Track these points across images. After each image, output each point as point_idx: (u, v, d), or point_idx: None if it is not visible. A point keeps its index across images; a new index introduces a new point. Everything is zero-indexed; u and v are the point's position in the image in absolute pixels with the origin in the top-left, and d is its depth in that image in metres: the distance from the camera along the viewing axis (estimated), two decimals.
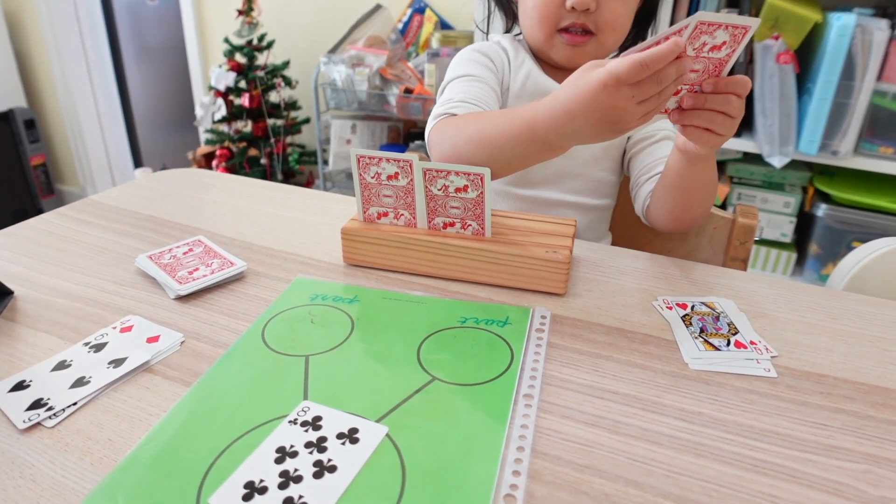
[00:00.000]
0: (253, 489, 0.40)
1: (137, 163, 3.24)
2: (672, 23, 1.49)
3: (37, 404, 0.48)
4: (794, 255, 1.61)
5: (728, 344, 0.56)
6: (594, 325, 0.59)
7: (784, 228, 1.60)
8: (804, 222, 1.61)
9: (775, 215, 1.59)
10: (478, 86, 0.78)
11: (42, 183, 2.92)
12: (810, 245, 1.57)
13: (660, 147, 0.79)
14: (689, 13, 1.47)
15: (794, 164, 1.52)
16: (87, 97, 2.94)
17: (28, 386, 0.50)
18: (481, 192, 0.61)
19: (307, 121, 2.18)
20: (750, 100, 1.49)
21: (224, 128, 2.15)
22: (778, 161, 1.45)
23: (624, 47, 0.83)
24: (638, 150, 0.80)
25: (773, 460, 0.43)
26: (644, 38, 0.84)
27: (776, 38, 1.39)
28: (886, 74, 1.36)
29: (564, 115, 0.56)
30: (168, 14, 3.03)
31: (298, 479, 0.40)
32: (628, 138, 0.81)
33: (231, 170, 2.10)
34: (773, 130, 1.44)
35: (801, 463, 0.43)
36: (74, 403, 0.48)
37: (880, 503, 0.40)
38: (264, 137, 2.12)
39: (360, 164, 0.64)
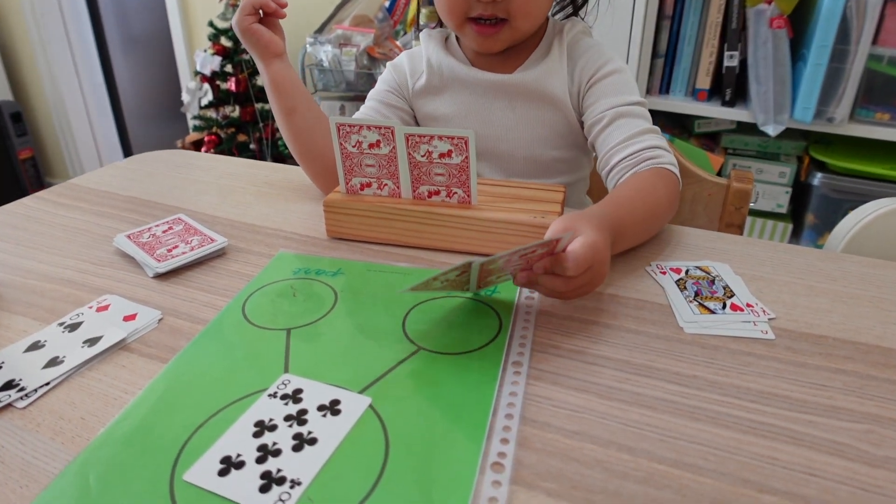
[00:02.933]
0: (230, 464, 0.38)
1: (127, 153, 3.20)
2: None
3: (8, 385, 0.46)
4: (790, 226, 1.59)
5: (724, 307, 0.54)
6: None
7: (780, 199, 1.58)
8: (800, 192, 1.59)
9: (771, 186, 1.57)
10: (371, 111, 0.82)
11: (31, 177, 2.88)
12: (807, 215, 1.55)
13: (612, 132, 0.71)
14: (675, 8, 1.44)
15: (789, 133, 1.49)
16: (73, 89, 2.89)
17: (0, 367, 0.48)
18: (465, 157, 0.59)
19: None
20: (743, 67, 1.46)
21: (212, 113, 2.12)
22: (773, 130, 1.42)
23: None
24: (594, 138, 0.74)
25: (773, 422, 0.42)
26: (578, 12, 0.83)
27: (769, 3, 1.37)
28: (882, 38, 1.33)
29: None
30: (152, 1, 2.98)
31: (277, 453, 0.38)
32: (581, 121, 0.77)
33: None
34: (767, 98, 1.41)
35: (802, 424, 0.42)
36: (47, 384, 0.46)
37: (883, 462, 0.39)
38: (253, 122, 2.09)
39: (340, 133, 0.62)
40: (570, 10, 0.83)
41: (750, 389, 0.45)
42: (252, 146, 2.09)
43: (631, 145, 0.69)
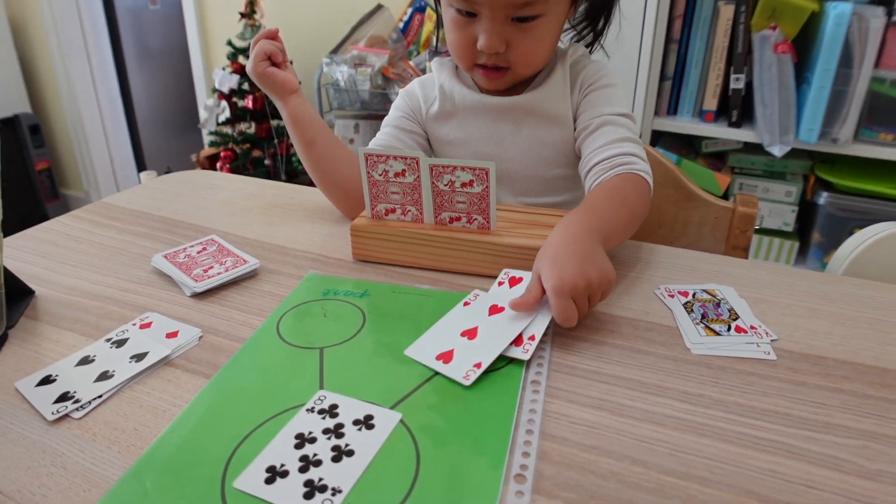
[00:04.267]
0: (275, 473, 0.41)
1: (141, 166, 3.26)
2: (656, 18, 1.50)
3: (63, 397, 0.50)
4: (796, 244, 1.62)
5: (729, 329, 0.58)
6: (598, 314, 0.60)
7: (786, 217, 1.61)
8: (806, 211, 1.62)
9: (777, 204, 1.61)
10: (389, 137, 0.86)
11: (47, 187, 2.94)
12: (813, 233, 1.58)
13: (595, 137, 0.76)
14: (688, 2, 1.49)
15: (794, 153, 1.53)
16: (90, 102, 2.96)
17: (54, 380, 0.52)
18: (486, 187, 0.63)
19: None
20: (749, 89, 1.50)
21: (228, 129, 2.17)
22: (778, 150, 1.46)
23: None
24: (580, 142, 0.78)
25: (774, 438, 0.45)
26: (596, 29, 0.85)
27: (773, 29, 1.41)
28: (884, 61, 1.37)
29: None
30: (170, 18, 3.05)
31: (318, 463, 0.42)
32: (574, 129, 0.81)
33: (235, 171, 2.12)
34: (772, 120, 1.45)
35: (801, 440, 0.45)
36: (100, 396, 0.50)
37: (877, 476, 0.42)
38: (268, 138, 2.13)
39: (368, 163, 0.66)
40: (589, 38, 0.86)
41: (753, 407, 0.48)
42: (266, 161, 2.14)
43: (609, 149, 0.73)
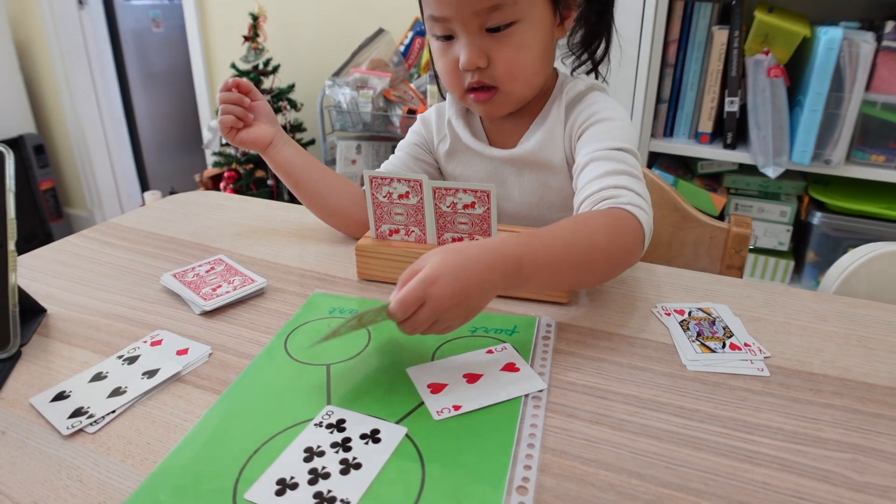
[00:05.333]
0: (285, 485, 0.43)
1: (144, 186, 3.29)
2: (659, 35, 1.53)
3: (78, 412, 0.51)
4: (791, 263, 1.64)
5: (724, 346, 0.59)
6: (597, 332, 0.62)
7: (781, 237, 1.63)
8: (801, 230, 1.64)
9: (772, 224, 1.63)
10: (400, 162, 0.87)
11: (51, 207, 2.97)
12: (807, 253, 1.61)
13: (584, 174, 0.71)
14: (683, 27, 1.52)
15: (788, 174, 1.56)
16: (94, 123, 3.00)
17: (68, 396, 0.54)
18: (487, 208, 0.65)
19: (313, 142, 2.23)
20: (743, 112, 1.53)
21: (231, 150, 2.20)
22: (772, 171, 1.48)
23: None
24: (574, 182, 0.74)
25: (767, 452, 0.47)
26: (595, 55, 0.82)
27: (766, 53, 1.44)
28: (875, 85, 1.40)
29: None
30: (173, 40, 3.11)
31: (327, 476, 0.44)
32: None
33: (238, 191, 2.15)
34: (766, 142, 1.48)
35: (793, 454, 0.46)
36: (113, 411, 0.52)
37: (865, 488, 0.43)
38: None
39: (373, 185, 0.68)
40: (589, 65, 0.84)
41: (747, 422, 0.50)
42: (269, 182, 2.17)
43: (595, 184, 0.67)
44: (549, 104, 0.80)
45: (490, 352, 0.58)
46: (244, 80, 0.83)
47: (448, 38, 0.72)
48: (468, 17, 0.68)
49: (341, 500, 0.41)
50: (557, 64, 0.82)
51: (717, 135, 1.61)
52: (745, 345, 0.60)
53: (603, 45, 0.82)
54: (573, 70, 0.84)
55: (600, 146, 0.71)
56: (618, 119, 0.75)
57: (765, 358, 0.58)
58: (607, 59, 0.84)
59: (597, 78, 0.84)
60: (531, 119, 0.80)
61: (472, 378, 0.54)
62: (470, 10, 0.67)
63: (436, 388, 0.53)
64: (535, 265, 0.56)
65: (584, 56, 0.83)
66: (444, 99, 0.87)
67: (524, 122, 0.81)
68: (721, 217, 1.61)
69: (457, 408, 0.50)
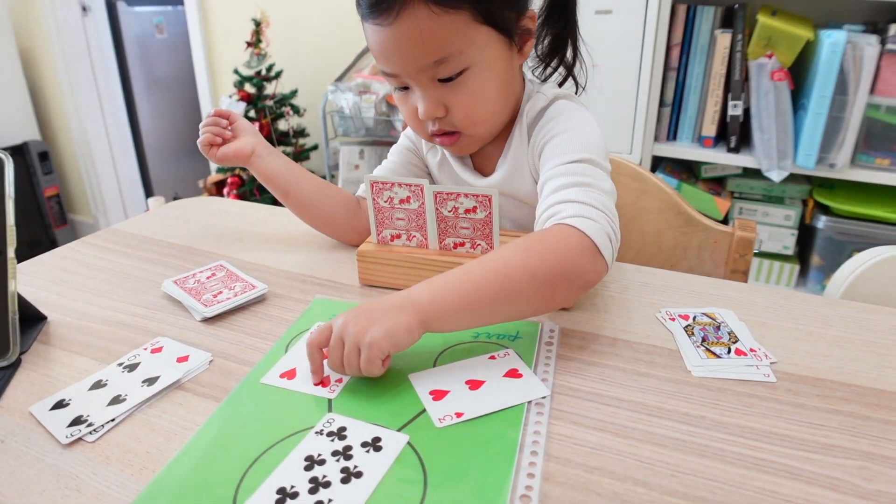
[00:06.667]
0: (285, 494, 0.42)
1: (148, 192, 3.30)
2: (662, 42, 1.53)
3: (77, 421, 0.51)
4: (796, 267, 1.63)
5: (729, 352, 0.59)
6: (600, 338, 0.62)
7: (786, 241, 1.62)
8: (805, 234, 1.63)
9: (776, 228, 1.62)
10: (393, 165, 0.86)
11: (55, 213, 2.98)
12: (812, 257, 1.60)
13: (540, 198, 0.67)
14: (686, 31, 1.52)
15: (793, 178, 1.55)
16: (98, 129, 3.01)
17: (68, 404, 0.53)
18: (489, 213, 0.65)
19: (316, 147, 2.23)
20: (747, 115, 1.52)
21: None
22: (776, 175, 1.48)
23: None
24: None
25: (773, 459, 0.46)
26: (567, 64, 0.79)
27: (770, 57, 1.44)
28: (879, 88, 1.39)
29: None
30: (177, 46, 3.12)
31: (327, 485, 0.43)
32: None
33: (242, 197, 2.15)
34: (770, 145, 1.47)
35: (800, 461, 0.46)
36: (113, 419, 0.51)
37: (875, 496, 0.43)
38: None
39: (374, 190, 0.68)
40: (562, 71, 0.81)
41: (753, 429, 0.49)
42: None
43: (541, 205, 0.65)
44: (514, 126, 0.77)
45: (492, 357, 0.57)
46: (220, 109, 0.84)
47: (405, 88, 0.71)
48: (415, 73, 0.67)
49: None
50: (528, 74, 0.80)
51: (721, 138, 1.60)
52: (751, 350, 0.59)
53: (570, 52, 0.78)
54: (545, 79, 0.80)
55: (554, 163, 0.67)
56: (574, 129, 0.70)
57: (771, 363, 0.57)
58: (582, 66, 0.80)
59: (576, 85, 0.81)
60: (501, 144, 0.78)
61: (474, 384, 0.53)
62: (415, 66, 0.66)
63: (438, 395, 0.52)
64: (437, 313, 0.54)
65: (555, 64, 0.79)
66: None
67: (500, 144, 0.78)
68: (725, 221, 1.61)
69: (459, 415, 0.50)
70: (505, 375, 0.55)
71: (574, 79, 0.81)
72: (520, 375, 0.55)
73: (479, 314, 0.57)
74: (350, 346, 0.52)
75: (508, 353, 0.58)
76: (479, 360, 0.57)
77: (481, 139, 0.75)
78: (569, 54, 0.79)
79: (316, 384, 0.54)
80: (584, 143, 0.68)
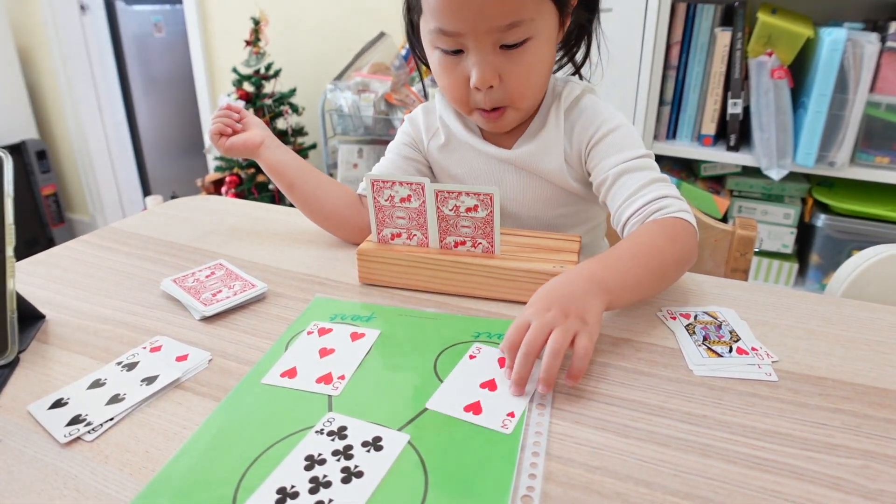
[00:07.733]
0: (285, 494, 0.42)
1: (146, 191, 3.29)
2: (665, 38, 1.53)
3: (76, 420, 0.51)
4: (795, 266, 1.63)
5: (730, 350, 0.59)
6: (601, 336, 0.61)
7: (785, 239, 1.62)
8: (805, 233, 1.63)
9: (776, 227, 1.62)
10: (391, 164, 0.87)
11: (53, 212, 2.97)
12: (811, 255, 1.60)
13: (618, 191, 0.72)
14: (685, 29, 1.52)
15: (792, 176, 1.55)
16: (96, 128, 3.00)
17: (66, 403, 0.53)
18: (490, 211, 0.64)
19: (314, 146, 2.23)
20: (746, 114, 1.52)
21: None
22: (776, 173, 1.48)
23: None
24: (603, 197, 0.75)
25: (776, 458, 0.46)
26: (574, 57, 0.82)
27: (770, 55, 1.43)
28: (879, 86, 1.39)
29: None
30: (175, 45, 3.11)
31: (328, 485, 0.43)
32: (588, 179, 0.78)
33: (240, 195, 2.15)
34: (770, 144, 1.47)
35: (803, 460, 0.45)
36: (111, 419, 0.51)
37: (878, 496, 0.42)
38: None
39: (375, 188, 0.67)
40: (571, 69, 0.84)
41: (755, 428, 0.49)
42: (271, 186, 2.16)
43: (638, 199, 0.69)
44: (546, 108, 0.79)
45: (473, 357, 0.57)
46: (231, 104, 0.86)
47: (457, 52, 0.70)
48: (483, 34, 0.66)
49: None
50: None
51: (720, 137, 1.60)
52: (753, 349, 0.59)
53: (584, 49, 0.80)
54: (555, 71, 0.82)
55: (621, 158, 0.72)
56: (624, 125, 0.75)
57: (772, 362, 0.57)
58: (588, 61, 0.83)
59: (580, 79, 0.83)
60: (527, 121, 0.80)
61: (490, 385, 0.53)
62: (486, 26, 0.65)
63: (475, 409, 0.51)
64: (616, 290, 0.59)
65: (564, 59, 0.82)
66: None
67: (521, 125, 0.80)
68: (724, 220, 1.60)
69: (511, 415, 0.50)
70: (502, 367, 0.55)
71: (579, 73, 0.83)
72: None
73: (642, 294, 0.64)
74: (563, 335, 0.52)
75: (480, 347, 0.59)
76: (467, 364, 0.56)
77: (523, 115, 0.77)
78: (580, 53, 0.81)
79: (519, 395, 0.52)
80: (638, 139, 0.75)
